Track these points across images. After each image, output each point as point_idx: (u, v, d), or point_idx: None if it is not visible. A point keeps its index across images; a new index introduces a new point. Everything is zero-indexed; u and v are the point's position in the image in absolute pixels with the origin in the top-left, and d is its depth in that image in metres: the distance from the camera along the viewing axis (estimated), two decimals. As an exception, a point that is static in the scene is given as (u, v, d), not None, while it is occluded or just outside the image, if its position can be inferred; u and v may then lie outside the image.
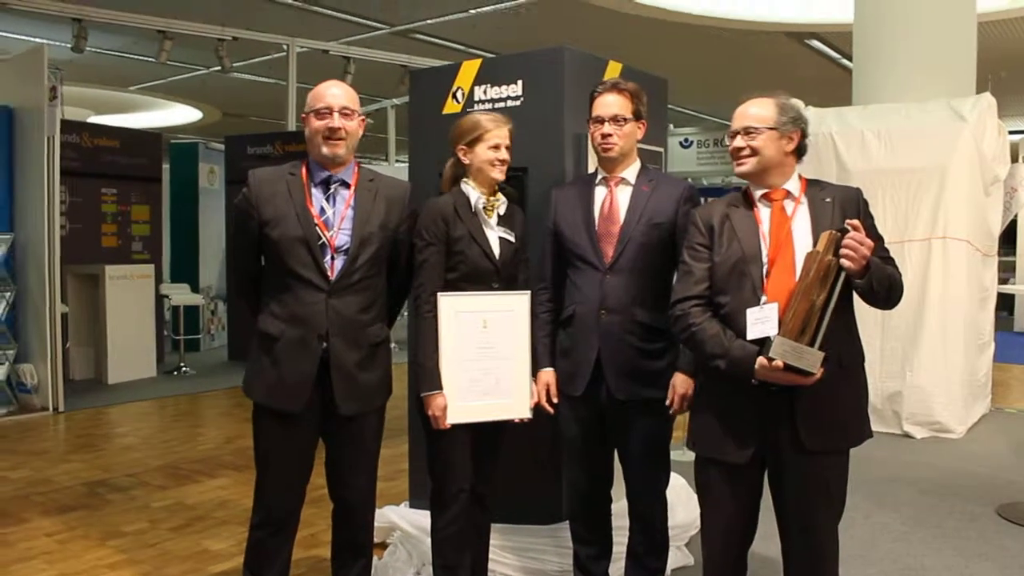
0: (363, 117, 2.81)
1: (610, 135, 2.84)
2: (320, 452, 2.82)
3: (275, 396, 2.70)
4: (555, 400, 2.95)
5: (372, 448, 2.88)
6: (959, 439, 6.04)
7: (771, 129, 2.40)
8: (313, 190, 2.73)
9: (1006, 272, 11.63)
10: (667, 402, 2.78)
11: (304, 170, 2.76)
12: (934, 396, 6.08)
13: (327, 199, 2.74)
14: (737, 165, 2.44)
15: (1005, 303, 12.16)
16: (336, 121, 2.68)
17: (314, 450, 2.81)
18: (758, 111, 2.42)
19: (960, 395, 6.19)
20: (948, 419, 6.08)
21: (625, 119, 2.84)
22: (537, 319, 2.98)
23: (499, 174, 2.86)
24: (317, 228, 2.68)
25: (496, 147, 2.84)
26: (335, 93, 2.71)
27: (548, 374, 2.96)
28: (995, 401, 7.12)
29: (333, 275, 2.69)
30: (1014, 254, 12.91)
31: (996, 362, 7.20)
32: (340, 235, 2.71)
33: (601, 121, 2.86)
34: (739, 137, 2.41)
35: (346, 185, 2.76)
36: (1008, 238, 11.75)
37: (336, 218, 2.72)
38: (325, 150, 2.69)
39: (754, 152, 2.41)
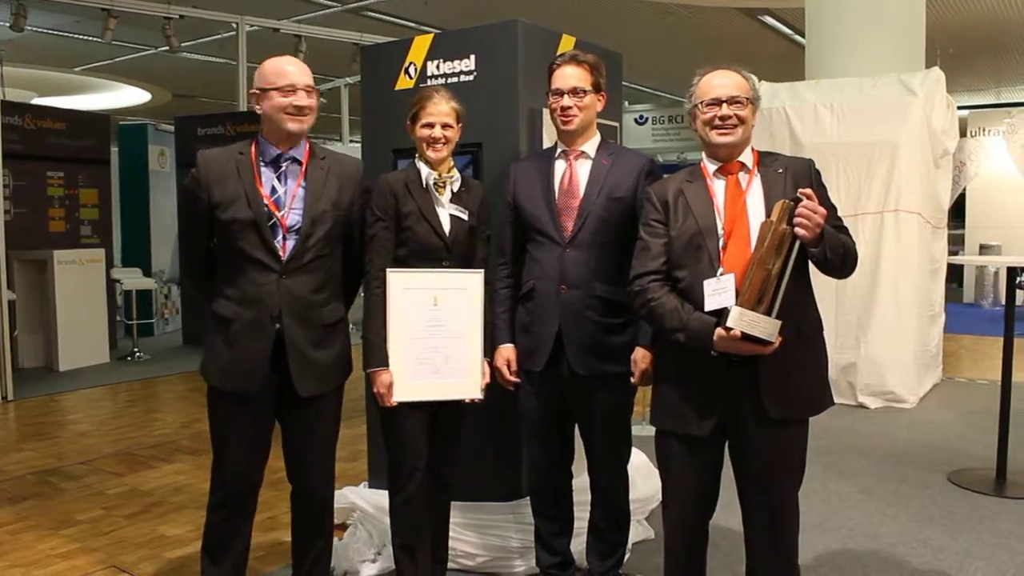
0: (318, 92, 2.76)
1: (569, 107, 2.81)
2: (277, 434, 2.78)
3: (229, 378, 2.66)
4: (514, 378, 2.93)
5: (330, 429, 2.85)
6: (912, 409, 6.16)
7: (750, 101, 2.41)
8: (263, 169, 2.67)
9: (955, 245, 11.85)
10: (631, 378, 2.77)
11: (253, 149, 2.69)
12: (887, 367, 6.19)
13: (278, 178, 2.68)
14: (720, 135, 2.39)
15: (954, 275, 12.40)
16: (303, 99, 2.62)
17: (271, 432, 2.77)
18: (739, 81, 2.42)
19: (912, 366, 6.30)
20: (901, 389, 6.20)
21: (584, 91, 2.82)
22: (497, 295, 2.96)
23: (433, 153, 2.80)
24: (267, 208, 2.62)
25: (430, 126, 2.79)
26: (296, 70, 2.64)
27: (508, 349, 2.94)
28: (946, 371, 7.27)
29: (285, 255, 2.64)
30: (963, 227, 13.17)
31: (946, 333, 7.34)
32: (291, 214, 2.65)
33: (560, 94, 2.83)
34: (725, 106, 2.39)
35: (297, 163, 2.70)
36: (957, 211, 11.97)
37: (287, 197, 2.66)
38: (292, 126, 2.62)
39: (741, 121, 2.39)
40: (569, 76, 2.83)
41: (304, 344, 2.67)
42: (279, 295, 2.63)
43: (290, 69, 2.64)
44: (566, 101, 2.82)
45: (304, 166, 2.71)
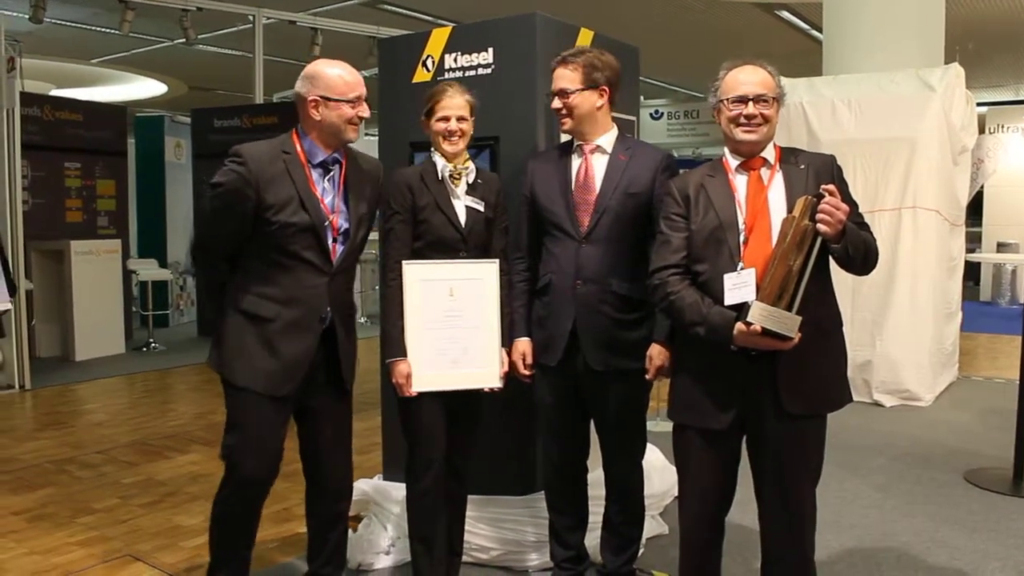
0: None
1: (559, 109, 2.83)
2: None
3: (268, 380, 2.62)
4: (528, 372, 2.93)
5: (350, 421, 2.91)
6: (927, 407, 6.12)
7: (775, 99, 2.40)
8: (313, 172, 2.68)
9: (972, 243, 11.77)
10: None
11: (298, 147, 2.67)
12: (903, 365, 6.16)
13: (327, 181, 2.70)
14: (745, 132, 2.38)
15: (971, 273, 12.32)
16: (366, 110, 2.66)
17: (288, 426, 2.78)
18: (766, 79, 2.40)
19: (928, 364, 6.27)
20: (917, 387, 6.16)
21: (569, 91, 2.80)
22: (514, 288, 2.96)
23: (449, 146, 2.82)
24: (323, 212, 2.64)
25: (445, 119, 2.81)
26: (361, 82, 2.66)
27: (524, 343, 2.94)
28: (962, 369, 7.22)
29: (335, 258, 2.68)
30: (980, 225, 13.08)
31: (963, 331, 7.30)
32: (339, 217, 2.69)
33: (552, 96, 2.85)
34: (751, 104, 2.38)
35: (339, 164, 2.73)
36: (974, 209, 11.89)
37: (335, 201, 2.70)
38: (352, 136, 2.68)
39: (766, 120, 2.38)
40: (558, 78, 2.84)
41: (346, 341, 2.75)
42: (329, 296, 2.67)
43: (359, 80, 2.67)
44: (555, 103, 2.84)
45: (343, 168, 2.73)
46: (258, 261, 2.65)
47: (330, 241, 2.66)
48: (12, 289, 4.77)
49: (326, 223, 2.64)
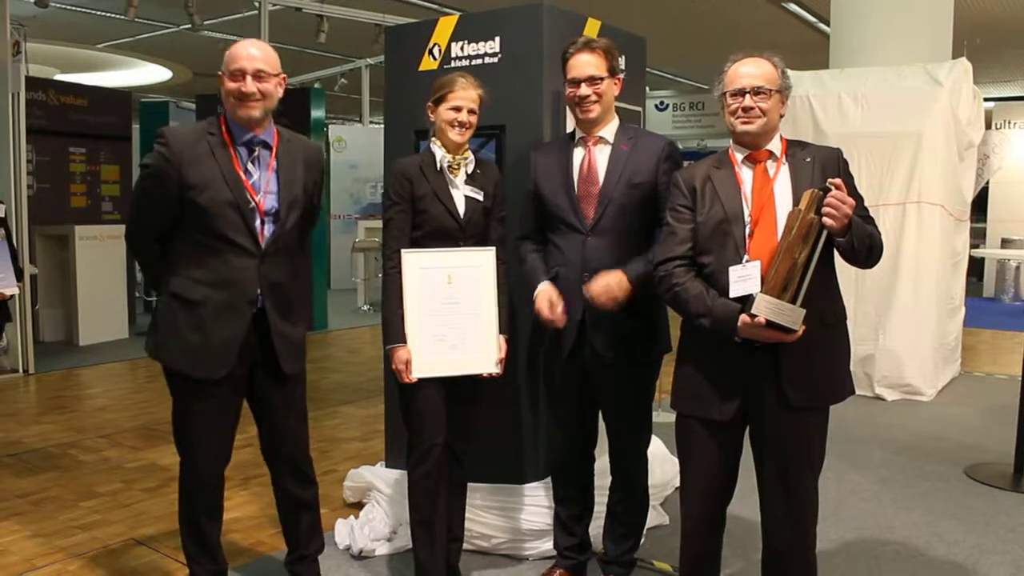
0: (283, 76, 2.71)
1: (587, 96, 2.79)
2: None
3: (199, 362, 2.63)
4: (558, 315, 2.81)
5: (304, 404, 2.92)
6: (929, 402, 6.13)
7: (777, 92, 2.40)
8: (237, 150, 2.65)
9: (976, 239, 11.75)
10: (585, 289, 2.73)
11: (224, 129, 2.66)
12: (905, 359, 6.16)
13: (252, 161, 2.67)
14: (743, 124, 2.39)
15: (975, 269, 12.30)
16: (249, 85, 2.59)
17: (238, 414, 2.78)
18: (767, 71, 2.40)
19: (931, 359, 6.27)
20: (919, 382, 6.17)
21: (600, 78, 2.79)
22: (527, 256, 2.96)
23: (457, 136, 2.83)
24: (247, 192, 2.62)
25: (457, 109, 2.81)
26: (250, 54, 2.60)
27: (548, 287, 2.85)
28: (964, 365, 7.22)
29: (263, 240, 2.65)
30: (984, 221, 13.05)
31: (965, 327, 7.29)
32: (267, 198, 2.66)
33: (577, 83, 2.81)
34: (748, 96, 2.38)
35: (267, 147, 2.71)
36: (979, 205, 11.86)
37: (262, 181, 2.67)
38: (240, 112, 2.61)
39: (763, 113, 2.38)
40: (585, 64, 2.80)
41: (282, 324, 2.73)
42: (259, 279, 2.64)
43: (245, 52, 2.60)
44: (583, 90, 2.80)
45: (274, 150, 2.71)
46: (187, 244, 2.64)
47: (257, 222, 2.63)
48: (19, 275, 4.79)
49: (251, 204, 2.62)
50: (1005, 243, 12.49)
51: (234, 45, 2.65)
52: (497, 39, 3.37)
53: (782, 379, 2.34)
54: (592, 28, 3.45)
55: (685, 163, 2.75)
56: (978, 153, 6.98)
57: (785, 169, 2.41)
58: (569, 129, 3.12)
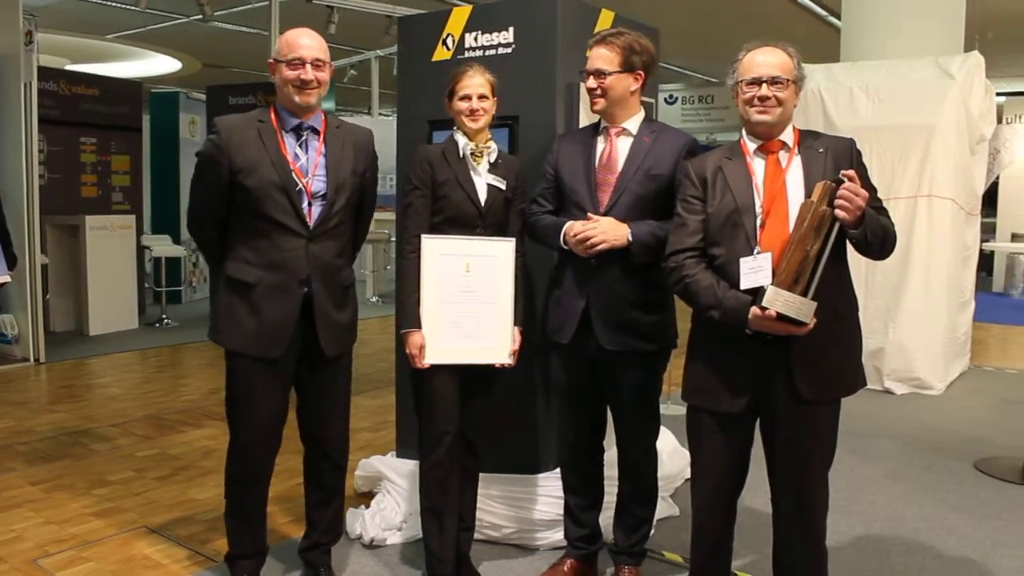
0: (332, 65, 2.80)
1: (593, 89, 2.82)
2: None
3: (255, 343, 2.73)
4: (587, 236, 2.74)
5: (347, 389, 2.97)
6: (939, 396, 6.12)
7: (793, 82, 2.39)
8: (285, 136, 2.74)
9: (986, 234, 11.70)
10: (579, 231, 2.73)
11: (273, 117, 2.76)
12: (915, 353, 6.15)
13: (300, 146, 2.75)
14: (759, 113, 2.38)
15: (984, 264, 12.26)
16: (308, 73, 2.68)
17: (289, 394, 2.85)
18: (783, 61, 2.39)
19: (941, 352, 6.26)
20: (928, 376, 6.16)
21: (606, 73, 2.79)
22: (542, 216, 2.95)
23: (471, 123, 2.85)
24: (294, 175, 2.70)
25: (467, 98, 2.83)
26: (308, 44, 2.70)
27: (574, 225, 2.79)
28: (974, 359, 7.21)
29: (312, 221, 2.72)
30: (995, 215, 13.00)
31: (975, 321, 7.27)
32: (315, 181, 2.74)
33: (587, 75, 2.84)
34: (765, 86, 2.37)
35: (316, 132, 2.78)
36: (989, 199, 11.82)
37: (310, 165, 2.75)
38: (298, 99, 2.70)
39: (779, 103, 2.37)
40: (595, 57, 2.82)
41: (329, 307, 2.78)
42: (307, 260, 2.71)
43: (301, 42, 2.69)
44: (590, 83, 2.82)
45: (323, 135, 2.78)
46: (241, 229, 2.74)
47: (305, 204, 2.71)
48: (12, 262, 4.78)
49: (298, 187, 2.69)
50: (1015, 238, 12.45)
51: (288, 34, 2.73)
52: (511, 29, 3.37)
53: (793, 372, 2.33)
54: (606, 20, 3.45)
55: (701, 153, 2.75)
56: (989, 147, 6.95)
57: (798, 160, 2.41)
58: (583, 119, 3.12)
